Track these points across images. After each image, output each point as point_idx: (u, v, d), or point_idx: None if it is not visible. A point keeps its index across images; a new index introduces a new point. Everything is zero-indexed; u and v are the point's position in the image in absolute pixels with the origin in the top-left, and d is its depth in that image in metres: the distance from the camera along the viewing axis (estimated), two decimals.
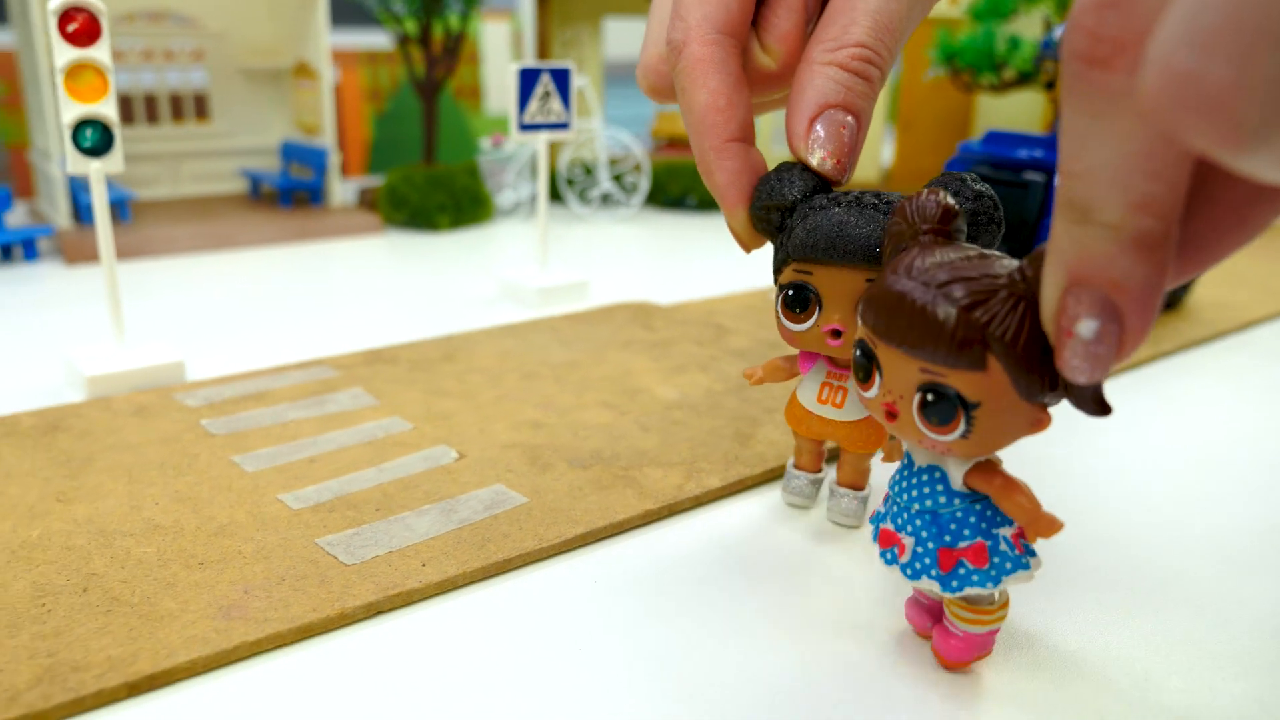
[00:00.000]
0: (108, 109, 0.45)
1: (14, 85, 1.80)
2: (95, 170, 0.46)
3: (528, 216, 0.95)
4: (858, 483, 0.36)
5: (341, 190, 0.92)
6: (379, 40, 1.41)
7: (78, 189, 0.78)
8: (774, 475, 0.40)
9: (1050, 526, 0.24)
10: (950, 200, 0.25)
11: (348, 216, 0.86)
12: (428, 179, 0.89)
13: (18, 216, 0.87)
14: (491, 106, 2.46)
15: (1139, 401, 0.50)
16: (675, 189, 0.99)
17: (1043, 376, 0.22)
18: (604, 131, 0.93)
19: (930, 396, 0.23)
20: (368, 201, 0.93)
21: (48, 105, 0.75)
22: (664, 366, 0.52)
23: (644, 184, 0.96)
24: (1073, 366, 0.21)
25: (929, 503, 0.26)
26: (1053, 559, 0.34)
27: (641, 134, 1.08)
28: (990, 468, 0.25)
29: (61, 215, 0.77)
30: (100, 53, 0.44)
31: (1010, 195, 0.55)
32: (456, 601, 0.31)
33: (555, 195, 1.00)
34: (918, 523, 0.26)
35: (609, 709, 0.26)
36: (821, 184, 0.30)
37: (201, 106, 0.94)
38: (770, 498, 0.39)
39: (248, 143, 0.96)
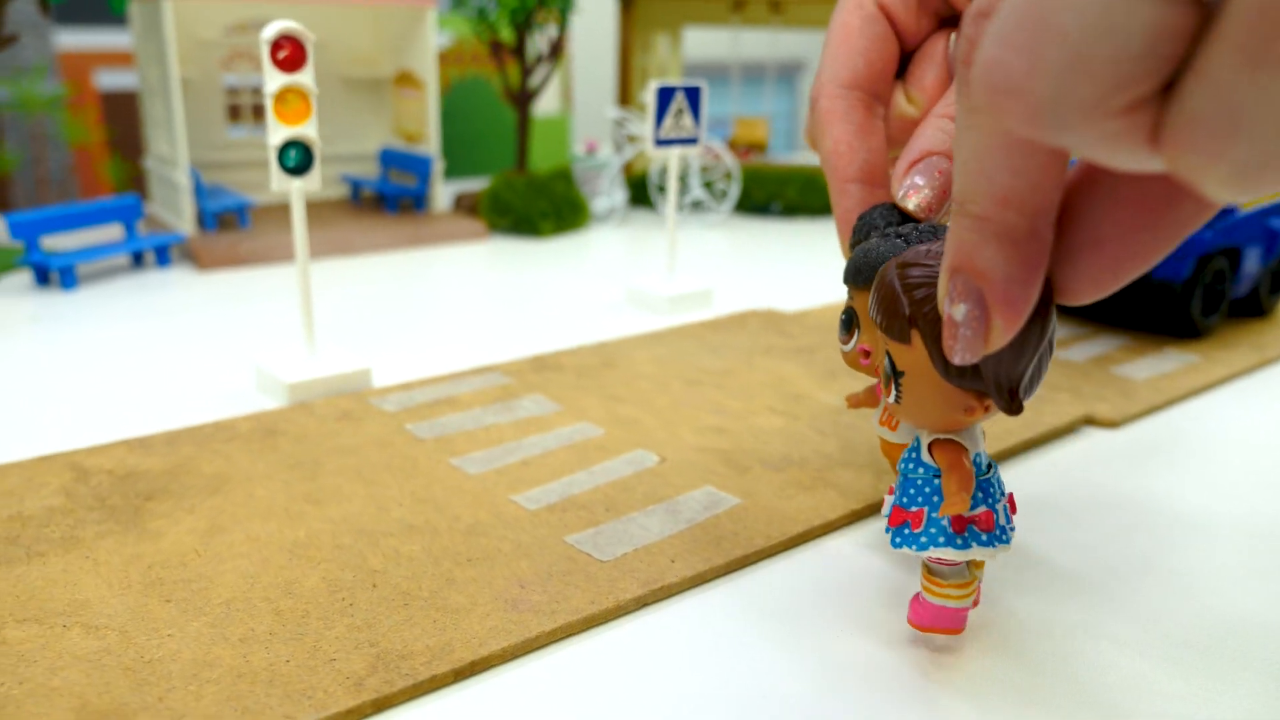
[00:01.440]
0: (310, 130, 0.48)
1: (81, 86, 1.84)
2: (297, 189, 0.48)
3: (621, 223, 0.97)
4: None
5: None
6: None
7: (203, 195, 0.81)
8: None
9: (951, 507, 0.27)
10: None
11: (453, 223, 0.89)
12: (528, 186, 0.91)
13: None
14: (539, 108, 2.47)
15: (1235, 409, 0.52)
16: (760, 195, 1.01)
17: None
18: None
19: (888, 359, 0.27)
20: (466, 207, 0.95)
21: (177, 114, 0.77)
22: (816, 372, 0.54)
23: (734, 191, 0.98)
24: (948, 347, 0.23)
25: (904, 465, 0.29)
26: (1130, 575, 0.37)
27: (721, 140, 1.10)
28: (948, 446, 0.28)
29: (186, 222, 0.80)
30: (306, 78, 0.47)
31: None
32: (709, 594, 0.34)
33: (644, 200, 1.03)
34: (898, 481, 0.29)
35: (901, 681, 0.29)
36: (909, 224, 0.32)
37: None
38: None
39: (346, 149, 0.99)
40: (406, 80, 0.94)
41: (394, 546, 0.36)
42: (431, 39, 0.89)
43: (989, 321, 0.22)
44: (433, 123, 0.90)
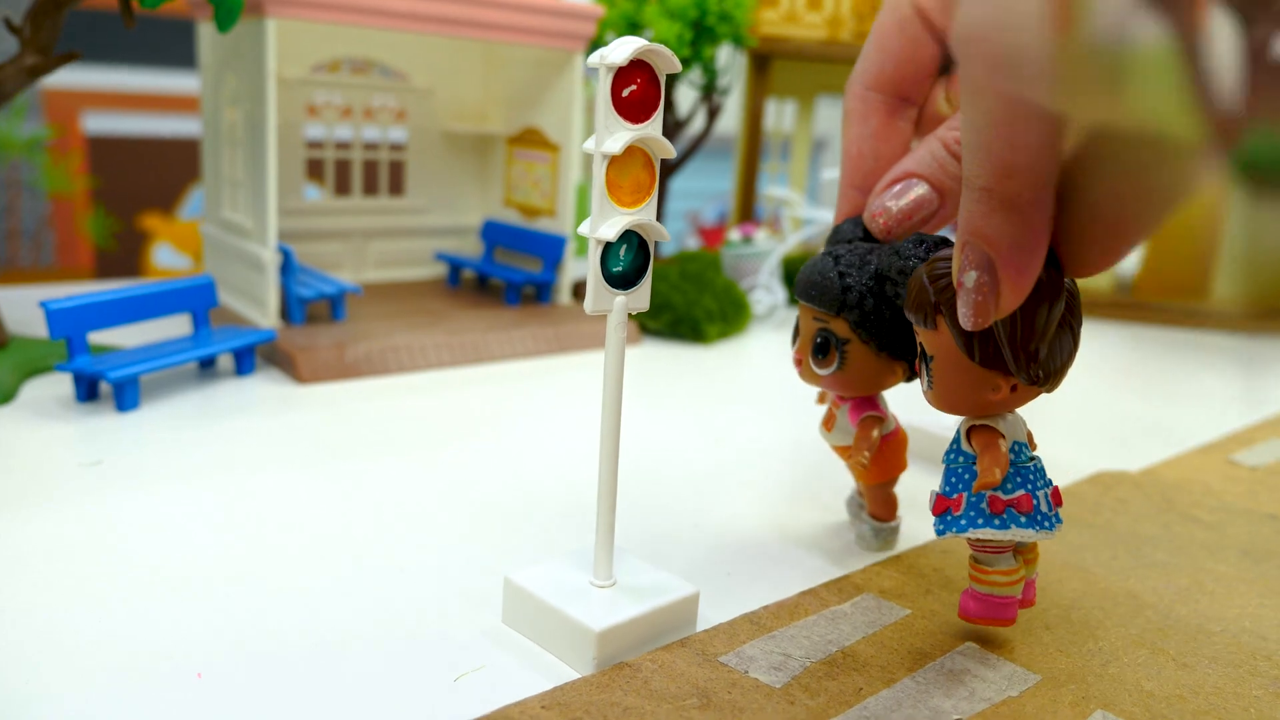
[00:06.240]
0: (650, 216, 0.30)
1: (66, 128, 1.62)
2: (619, 306, 0.30)
3: (782, 324, 0.79)
4: (875, 512, 0.38)
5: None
6: None
7: (292, 277, 0.62)
8: None
9: (983, 482, 0.28)
10: None
11: (597, 322, 0.70)
12: (683, 277, 0.73)
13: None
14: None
15: None
16: None
17: (982, 339, 0.27)
18: None
19: (920, 346, 0.29)
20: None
21: (269, 170, 0.58)
22: None
23: None
24: (961, 314, 0.25)
25: (947, 458, 0.30)
26: None
27: None
28: (983, 430, 0.28)
29: (270, 314, 0.60)
30: (654, 130, 0.29)
31: None
32: None
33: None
34: (942, 473, 0.30)
35: None
36: (862, 241, 0.34)
37: (396, 176, 0.78)
38: None
39: (442, 221, 0.80)
40: (530, 140, 0.76)
41: None
42: (576, 91, 0.71)
43: (999, 286, 0.24)
44: (567, 195, 0.72)
